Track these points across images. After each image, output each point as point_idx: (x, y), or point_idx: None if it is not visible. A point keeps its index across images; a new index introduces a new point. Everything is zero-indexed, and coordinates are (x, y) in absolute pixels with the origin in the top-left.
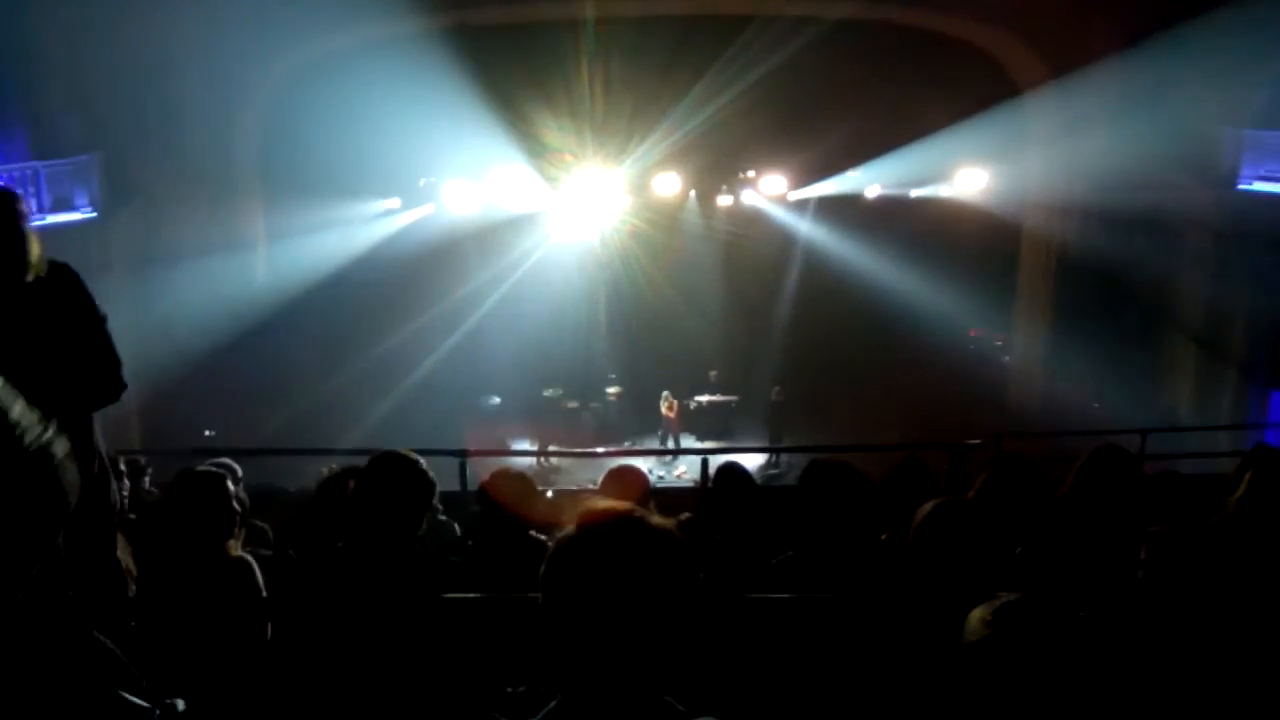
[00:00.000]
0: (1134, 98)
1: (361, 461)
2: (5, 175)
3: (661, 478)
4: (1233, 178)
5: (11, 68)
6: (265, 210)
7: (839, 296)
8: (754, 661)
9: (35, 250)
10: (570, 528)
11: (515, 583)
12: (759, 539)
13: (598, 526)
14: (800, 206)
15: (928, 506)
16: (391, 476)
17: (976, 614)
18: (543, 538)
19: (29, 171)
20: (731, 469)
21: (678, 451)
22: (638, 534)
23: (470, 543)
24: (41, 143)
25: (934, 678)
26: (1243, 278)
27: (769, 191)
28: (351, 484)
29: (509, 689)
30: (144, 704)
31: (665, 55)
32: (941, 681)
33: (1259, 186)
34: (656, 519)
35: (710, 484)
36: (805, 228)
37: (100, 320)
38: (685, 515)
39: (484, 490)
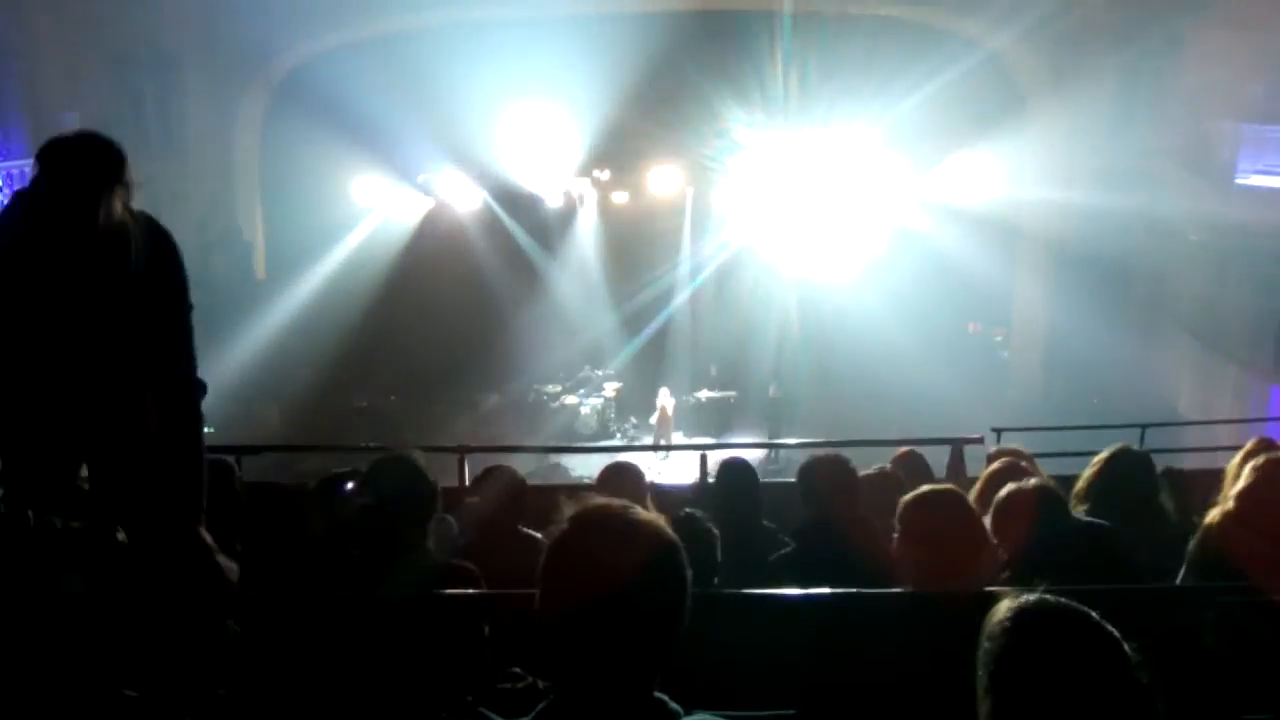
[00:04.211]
0: (1132, 92)
1: (361, 458)
2: (4, 172)
3: (659, 474)
4: (1231, 172)
5: (10, 64)
6: (265, 206)
7: (837, 291)
8: (751, 657)
9: (107, 209)
10: (564, 524)
11: (509, 579)
12: (761, 534)
13: (589, 521)
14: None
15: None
16: (395, 483)
17: (995, 616)
18: (536, 535)
19: (27, 168)
20: (734, 464)
21: (678, 448)
22: (628, 527)
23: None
24: (39, 139)
25: (938, 675)
26: (1242, 272)
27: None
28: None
29: (504, 685)
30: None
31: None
32: (948, 680)
33: (1256, 181)
34: (645, 513)
35: (710, 479)
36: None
37: (183, 308)
38: (685, 510)
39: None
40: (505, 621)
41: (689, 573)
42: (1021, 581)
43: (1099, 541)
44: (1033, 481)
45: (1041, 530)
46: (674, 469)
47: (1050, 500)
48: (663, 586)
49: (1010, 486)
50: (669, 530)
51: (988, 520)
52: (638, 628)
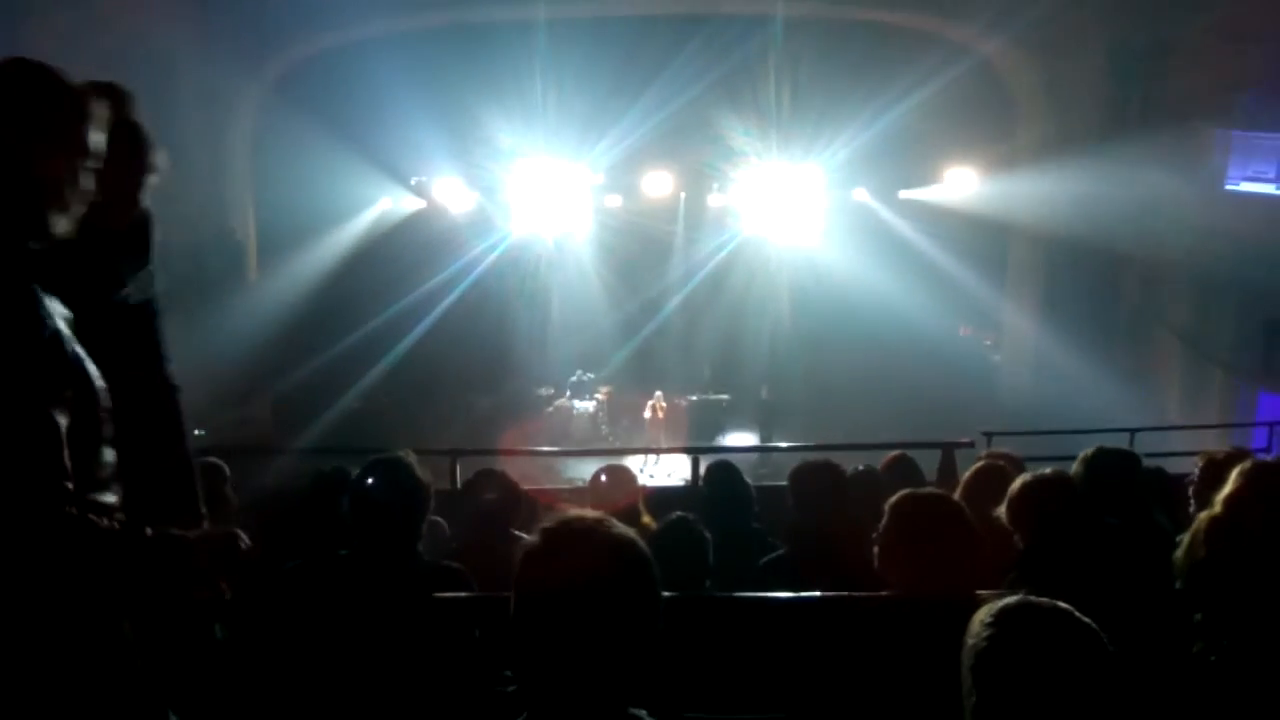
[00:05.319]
0: (1122, 98)
1: (353, 460)
2: None
3: (652, 476)
4: (1219, 178)
5: None
6: (257, 207)
7: (830, 295)
8: (741, 659)
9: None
10: (535, 536)
11: (501, 582)
12: (751, 536)
13: (559, 534)
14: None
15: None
16: (387, 484)
17: (978, 616)
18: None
19: None
20: (721, 467)
21: (668, 451)
22: (598, 541)
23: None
24: None
25: (928, 679)
26: (1229, 277)
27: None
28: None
29: (495, 688)
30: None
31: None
32: (937, 683)
33: (1245, 187)
34: (619, 526)
35: (700, 482)
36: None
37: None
38: (677, 514)
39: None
40: (497, 624)
41: (659, 588)
42: (1034, 572)
43: (1122, 545)
44: (1050, 470)
45: (1057, 522)
46: (666, 472)
47: (1067, 491)
48: (632, 601)
49: (1026, 476)
50: (641, 544)
51: (1002, 511)
52: (605, 642)
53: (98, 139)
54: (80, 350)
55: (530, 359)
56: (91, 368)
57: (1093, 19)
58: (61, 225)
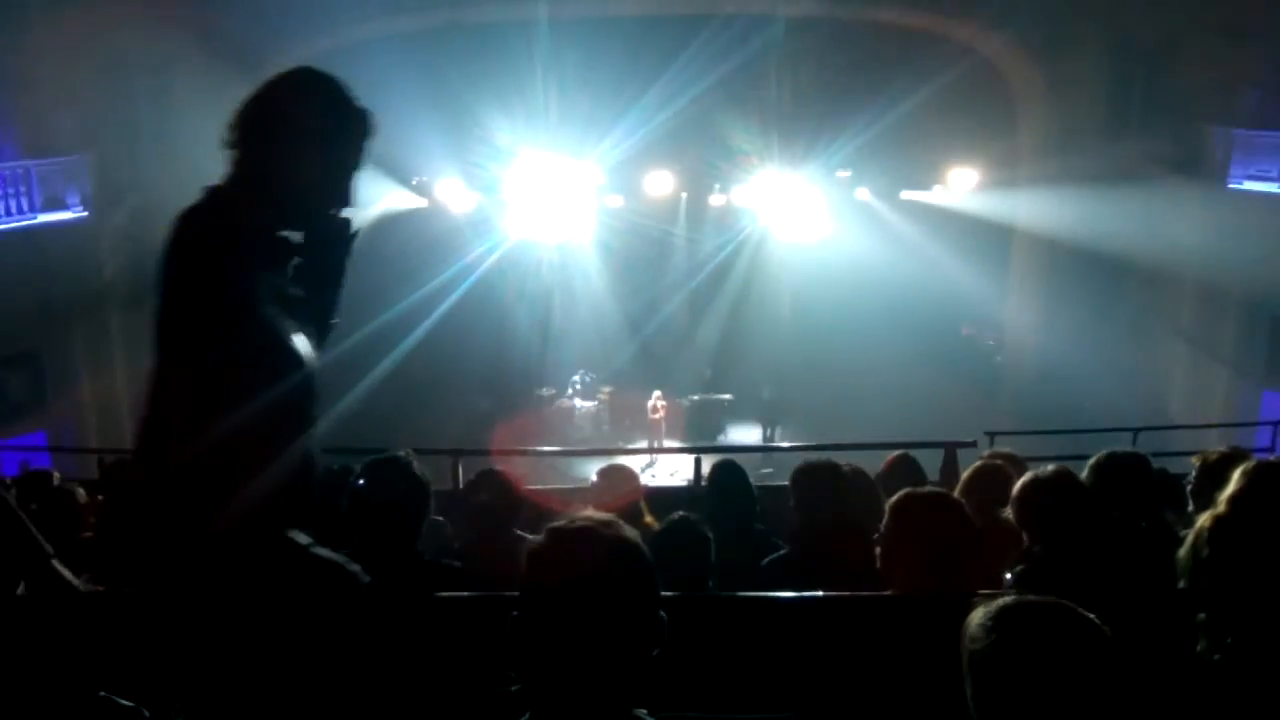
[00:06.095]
0: (1125, 97)
1: (354, 459)
2: None
3: (654, 476)
4: (1223, 177)
5: (3, 65)
6: None
7: (832, 295)
8: (746, 659)
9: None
10: (542, 536)
11: (503, 581)
12: (754, 536)
13: (566, 536)
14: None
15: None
16: (386, 484)
17: (976, 617)
18: (530, 537)
19: (20, 170)
20: (726, 467)
21: (670, 451)
22: (604, 544)
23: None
24: (33, 141)
25: (930, 678)
26: (1233, 277)
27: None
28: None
29: (499, 689)
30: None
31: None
32: (940, 682)
33: (1248, 185)
34: (626, 529)
35: (704, 482)
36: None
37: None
38: (679, 514)
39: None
40: (498, 624)
41: (660, 592)
42: (1041, 569)
43: (1132, 543)
44: (1053, 467)
45: (1063, 519)
46: (667, 472)
47: (1072, 489)
48: (635, 604)
49: (1030, 474)
50: (643, 547)
51: (1009, 512)
52: (609, 644)
53: (365, 152)
54: (288, 327)
55: (532, 359)
56: (303, 346)
57: (1094, 18)
58: (308, 225)
